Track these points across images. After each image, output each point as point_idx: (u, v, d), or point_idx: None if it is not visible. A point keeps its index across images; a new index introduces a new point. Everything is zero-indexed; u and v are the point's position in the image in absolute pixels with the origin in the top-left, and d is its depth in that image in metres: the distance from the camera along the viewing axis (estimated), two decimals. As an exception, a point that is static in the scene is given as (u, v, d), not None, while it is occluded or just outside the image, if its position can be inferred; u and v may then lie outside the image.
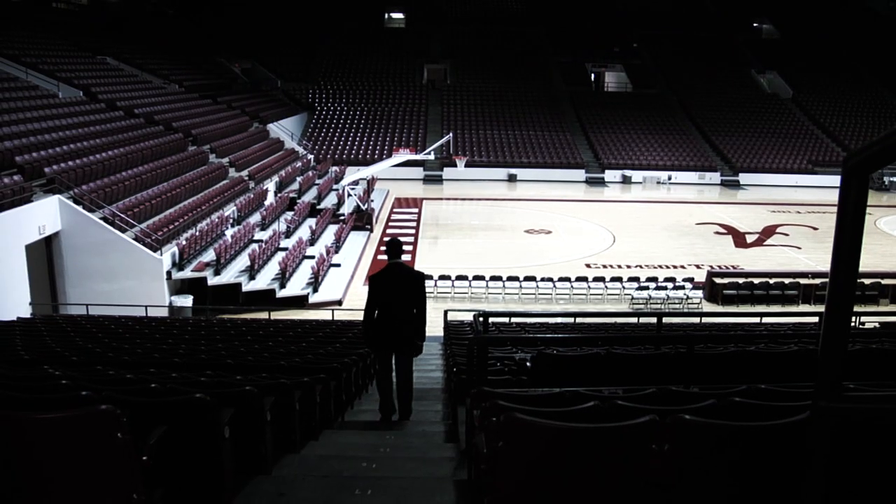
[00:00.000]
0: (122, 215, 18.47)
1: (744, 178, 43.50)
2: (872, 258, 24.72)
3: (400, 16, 60.82)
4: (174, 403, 2.65)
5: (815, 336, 6.68)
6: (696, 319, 16.36)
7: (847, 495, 1.93)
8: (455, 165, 39.06)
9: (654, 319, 13.01)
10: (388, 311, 6.72)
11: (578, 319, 14.04)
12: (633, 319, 16.35)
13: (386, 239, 27.13)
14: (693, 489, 2.14)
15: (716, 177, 43.46)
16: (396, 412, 6.92)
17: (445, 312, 15.67)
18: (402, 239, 7.56)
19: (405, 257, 6.67)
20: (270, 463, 3.69)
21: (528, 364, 4.66)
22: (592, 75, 57.50)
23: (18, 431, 2.15)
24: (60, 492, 2.16)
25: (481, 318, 5.60)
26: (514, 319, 14.82)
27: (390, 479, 3.78)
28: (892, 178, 43.39)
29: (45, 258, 17.46)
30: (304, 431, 4.79)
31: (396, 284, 6.73)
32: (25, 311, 15.54)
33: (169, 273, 18.19)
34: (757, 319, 15.22)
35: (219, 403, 2.80)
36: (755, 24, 62.17)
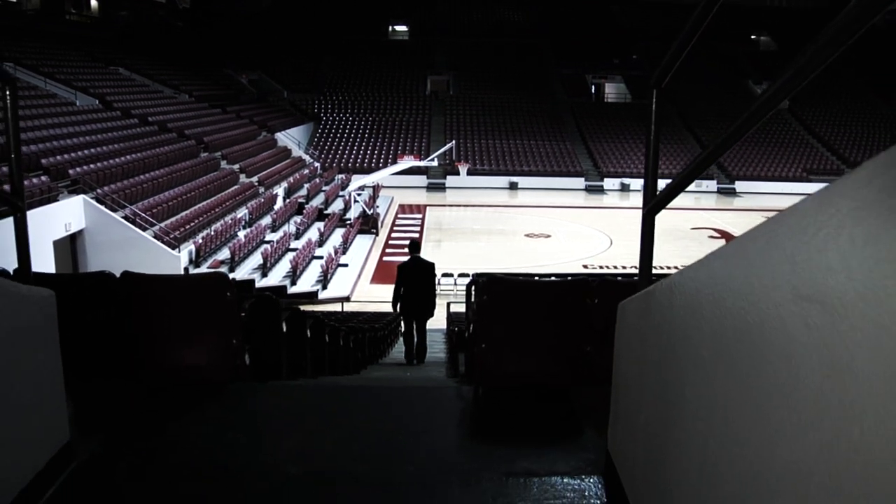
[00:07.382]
0: (143, 214, 19.48)
1: (740, 185, 44.42)
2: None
3: (404, 28, 61.97)
4: (255, 294, 3.59)
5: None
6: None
7: None
8: (458, 174, 40.13)
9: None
10: (410, 289, 8.95)
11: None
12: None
13: (391, 242, 28.26)
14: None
15: (712, 184, 44.35)
16: (415, 360, 9.47)
17: (448, 304, 16.61)
18: (407, 243, 10.09)
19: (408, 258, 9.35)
20: (310, 373, 4.63)
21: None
22: (593, 87, 58.63)
23: (163, 287, 3.09)
24: (188, 331, 3.08)
25: (479, 280, 6.57)
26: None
27: (406, 384, 4.73)
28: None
29: (69, 254, 18.46)
30: (332, 367, 5.73)
31: (416, 271, 8.99)
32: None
33: (186, 269, 19.17)
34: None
35: (279, 303, 3.76)
36: (753, 37, 63.35)
